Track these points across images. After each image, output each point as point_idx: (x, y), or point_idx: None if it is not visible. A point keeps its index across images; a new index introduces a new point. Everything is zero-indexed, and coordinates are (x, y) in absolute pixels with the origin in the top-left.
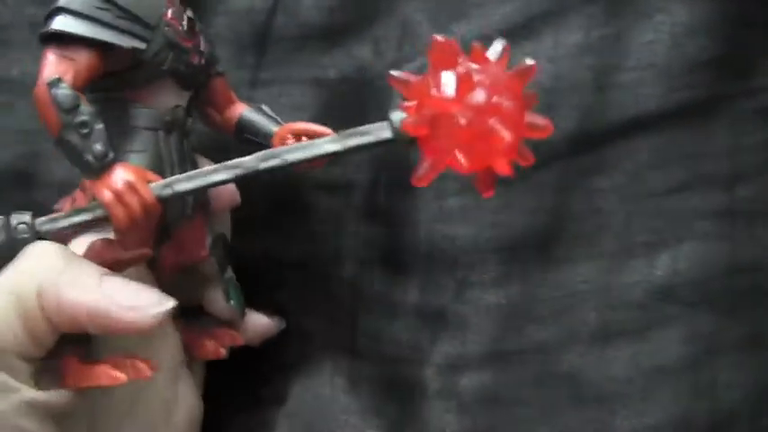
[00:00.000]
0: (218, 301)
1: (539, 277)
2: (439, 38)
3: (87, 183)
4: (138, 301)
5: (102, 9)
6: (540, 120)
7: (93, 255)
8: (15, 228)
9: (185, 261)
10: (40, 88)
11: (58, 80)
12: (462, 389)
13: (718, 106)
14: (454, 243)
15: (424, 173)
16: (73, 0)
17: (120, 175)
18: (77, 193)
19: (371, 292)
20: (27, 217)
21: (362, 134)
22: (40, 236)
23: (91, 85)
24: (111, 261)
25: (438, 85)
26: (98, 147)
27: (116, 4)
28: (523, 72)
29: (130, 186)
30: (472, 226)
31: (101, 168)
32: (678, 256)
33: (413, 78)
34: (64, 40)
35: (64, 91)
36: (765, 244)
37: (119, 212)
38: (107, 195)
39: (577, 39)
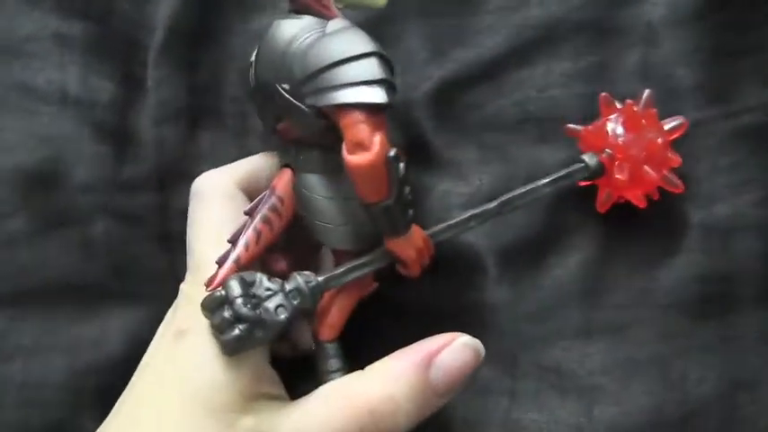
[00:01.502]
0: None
1: (529, 281)
2: (604, 94)
3: (388, 241)
4: None
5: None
6: (676, 180)
7: (354, 292)
8: (308, 287)
9: (362, 294)
10: (378, 160)
11: (398, 155)
12: None
13: (699, 131)
14: (455, 251)
15: (605, 201)
16: (388, 72)
17: (419, 235)
18: (243, 250)
19: (386, 297)
20: (313, 277)
21: (567, 177)
22: (324, 291)
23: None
24: (361, 296)
25: (619, 136)
26: (410, 213)
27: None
28: (677, 128)
29: (426, 243)
30: (471, 235)
31: (406, 230)
32: (658, 265)
33: (592, 129)
34: (371, 109)
35: (402, 165)
36: (736, 257)
37: (417, 265)
38: (412, 253)
39: (567, 66)
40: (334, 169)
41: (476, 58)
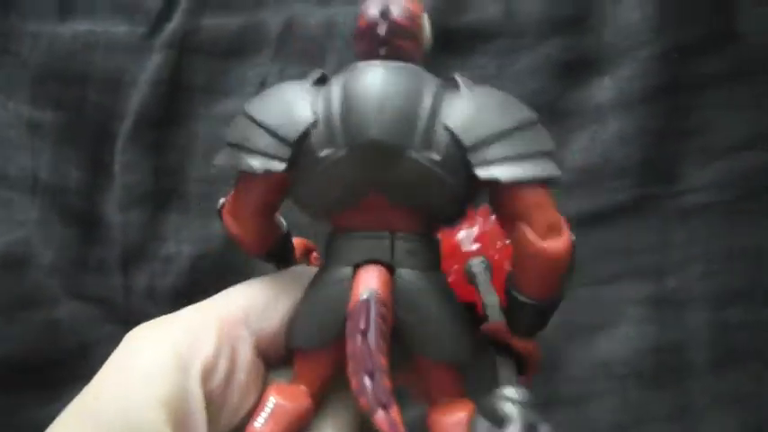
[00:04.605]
0: None
1: None
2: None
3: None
4: None
5: None
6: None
7: None
8: None
9: None
10: (571, 245)
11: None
12: None
13: (646, 206)
14: None
15: None
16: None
17: None
18: None
19: None
20: None
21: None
22: None
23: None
24: None
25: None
26: None
27: None
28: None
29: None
30: None
31: None
32: (613, 338)
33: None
34: (550, 186)
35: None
36: (689, 327)
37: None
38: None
39: None
40: (432, 265)
41: None
